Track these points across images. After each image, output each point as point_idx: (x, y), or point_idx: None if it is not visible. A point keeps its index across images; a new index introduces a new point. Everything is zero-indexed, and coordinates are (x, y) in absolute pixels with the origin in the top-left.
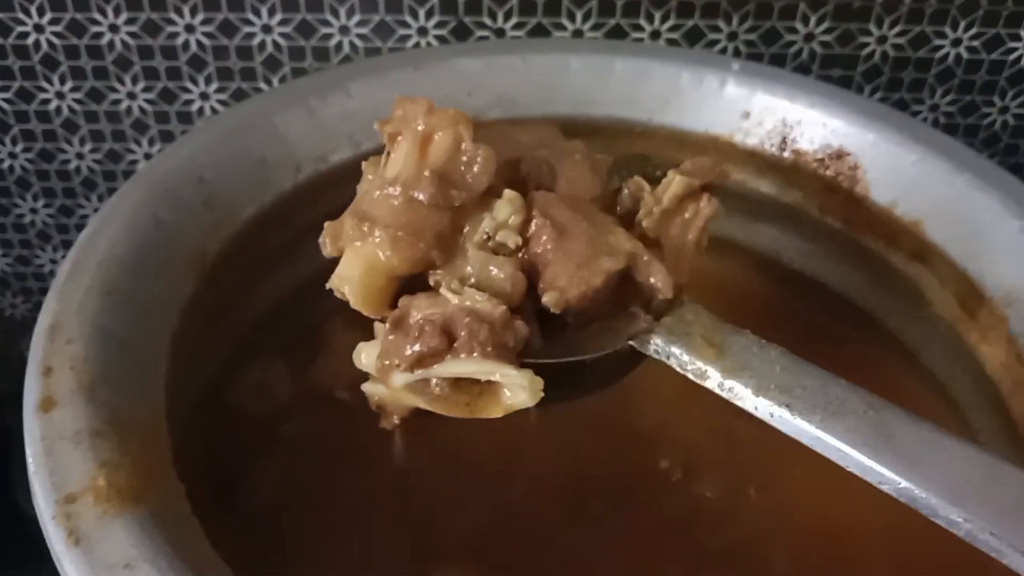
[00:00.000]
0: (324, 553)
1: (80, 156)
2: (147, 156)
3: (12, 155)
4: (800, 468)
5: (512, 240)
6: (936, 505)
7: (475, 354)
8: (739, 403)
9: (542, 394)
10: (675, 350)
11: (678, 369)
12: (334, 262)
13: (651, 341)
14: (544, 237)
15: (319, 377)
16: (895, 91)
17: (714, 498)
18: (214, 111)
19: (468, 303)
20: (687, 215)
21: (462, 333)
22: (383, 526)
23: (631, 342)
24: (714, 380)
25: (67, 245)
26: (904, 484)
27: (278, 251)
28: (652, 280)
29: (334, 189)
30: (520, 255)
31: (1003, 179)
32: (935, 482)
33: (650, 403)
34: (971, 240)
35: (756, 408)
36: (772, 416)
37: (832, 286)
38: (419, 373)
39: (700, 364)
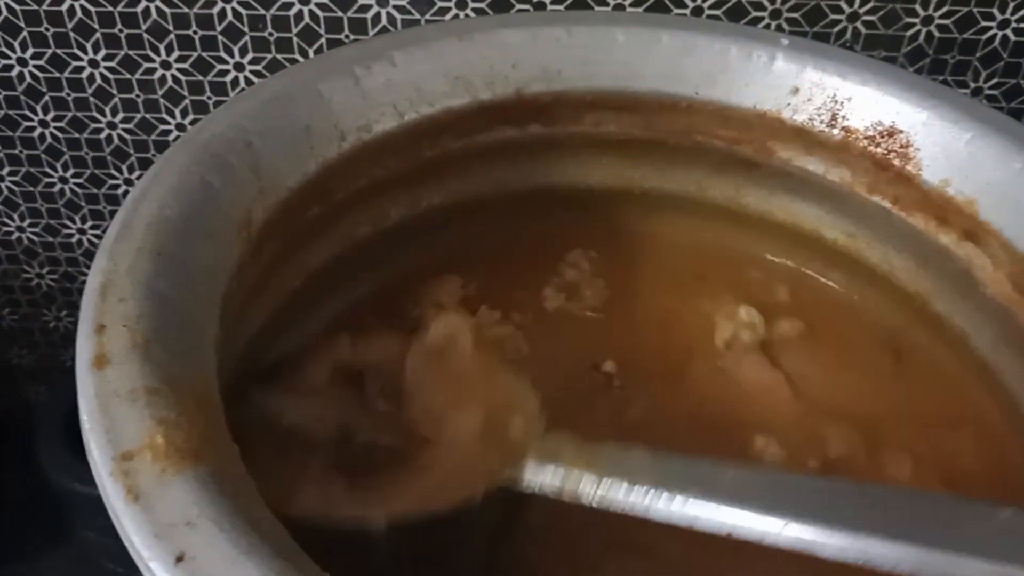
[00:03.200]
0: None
1: (112, 126)
2: (180, 127)
3: (43, 123)
4: None
5: None
6: None
7: None
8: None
9: None
10: (548, 471)
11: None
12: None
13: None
14: None
15: (354, 351)
16: (939, 73)
17: None
18: (248, 82)
19: None
20: None
21: None
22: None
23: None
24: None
25: (96, 215)
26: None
27: (318, 221)
28: None
29: (377, 160)
30: None
31: None
32: None
33: None
34: None
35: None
36: (647, 509)
37: (877, 267)
38: None
39: (575, 474)
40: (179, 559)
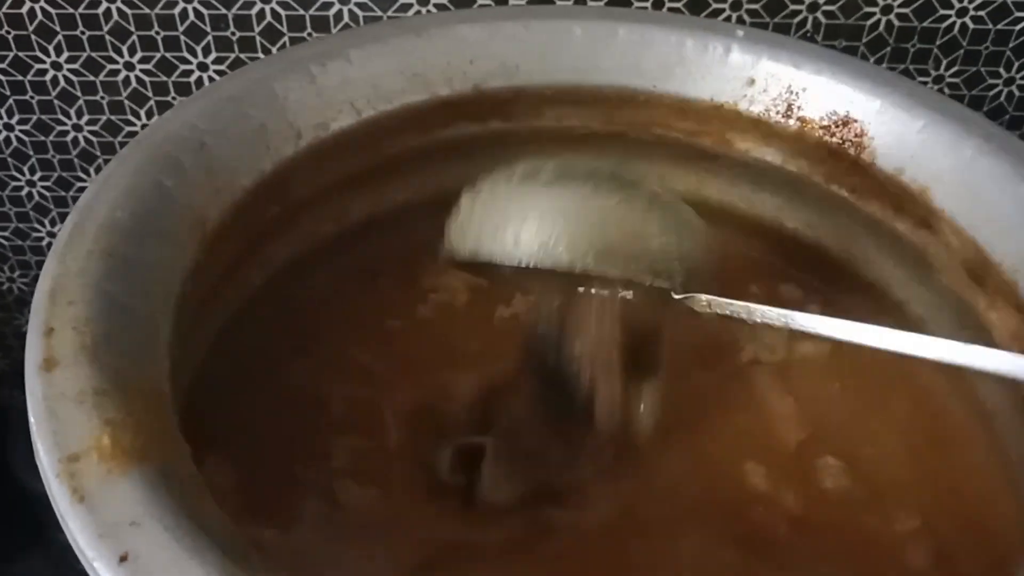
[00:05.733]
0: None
1: (77, 128)
2: (145, 128)
3: (8, 127)
4: None
5: None
6: None
7: None
8: None
9: None
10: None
11: None
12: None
13: None
14: None
15: (317, 347)
16: (900, 62)
17: None
18: (212, 82)
19: None
20: None
21: None
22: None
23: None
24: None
25: (66, 218)
26: None
27: (278, 221)
28: None
29: (337, 159)
30: None
31: (1012, 144)
32: None
33: None
34: (979, 207)
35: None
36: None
37: (837, 255)
38: None
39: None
40: (123, 559)
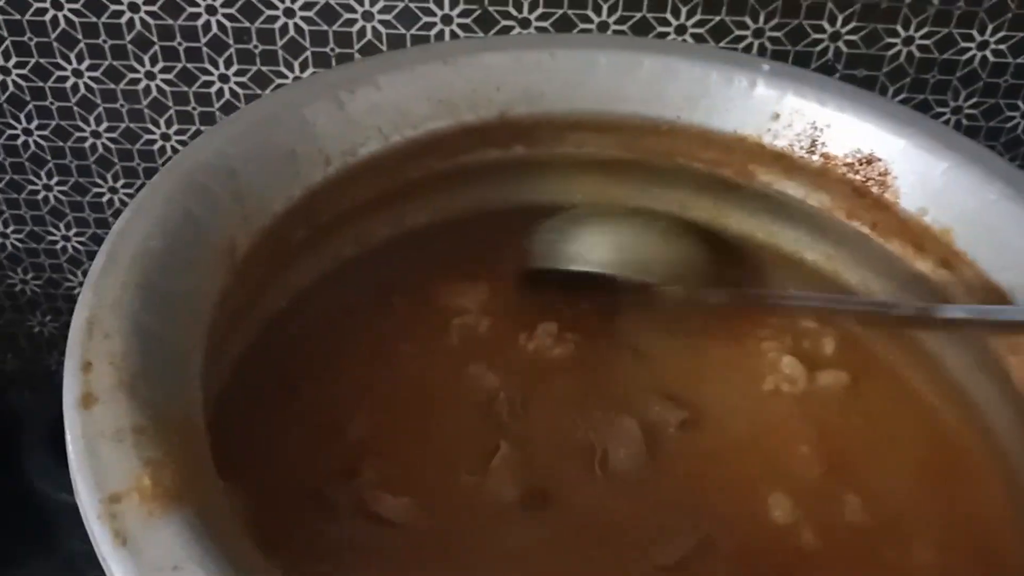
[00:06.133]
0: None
1: (96, 135)
2: (164, 136)
3: (27, 131)
4: None
5: None
6: None
7: None
8: None
9: None
10: None
11: None
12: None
13: None
14: None
15: (337, 369)
16: (919, 92)
17: None
18: (233, 94)
19: None
20: None
21: None
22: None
23: None
24: None
25: (80, 223)
26: None
27: (303, 245)
28: None
29: (363, 183)
30: None
31: None
32: None
33: None
34: (1001, 250)
35: None
36: None
37: (854, 289)
38: None
39: None
40: None
